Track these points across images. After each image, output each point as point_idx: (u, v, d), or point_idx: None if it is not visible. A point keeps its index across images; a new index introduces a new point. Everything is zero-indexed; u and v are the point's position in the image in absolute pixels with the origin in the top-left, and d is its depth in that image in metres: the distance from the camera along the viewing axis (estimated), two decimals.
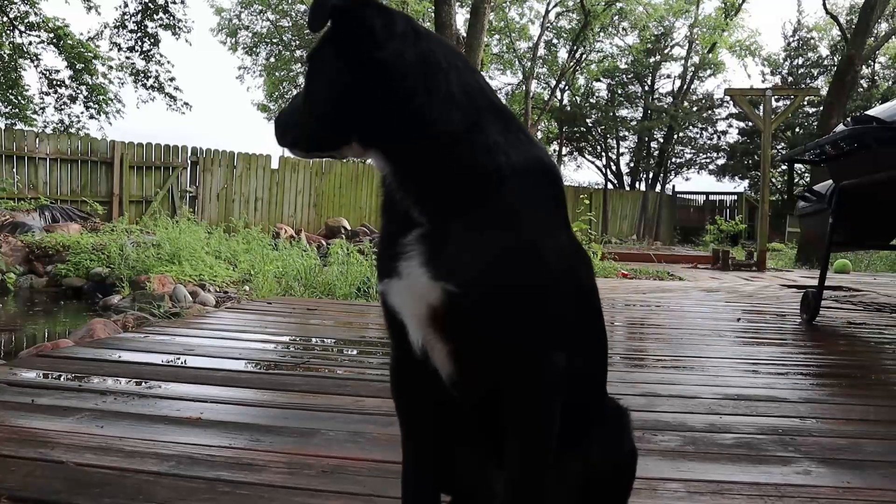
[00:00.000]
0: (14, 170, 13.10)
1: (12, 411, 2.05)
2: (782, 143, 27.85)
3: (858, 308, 5.53)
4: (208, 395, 2.33)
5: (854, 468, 1.83)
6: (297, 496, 1.53)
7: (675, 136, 32.29)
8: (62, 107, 14.42)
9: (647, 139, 32.91)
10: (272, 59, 23.31)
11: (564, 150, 34.37)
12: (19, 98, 14.30)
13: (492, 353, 1.02)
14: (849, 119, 4.33)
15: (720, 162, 32.78)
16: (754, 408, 2.43)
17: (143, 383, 2.48)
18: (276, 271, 7.44)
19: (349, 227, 12.74)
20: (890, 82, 27.39)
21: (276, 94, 25.20)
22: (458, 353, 1.03)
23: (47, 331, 5.91)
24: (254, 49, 23.22)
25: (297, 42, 22.13)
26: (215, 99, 71.81)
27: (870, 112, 4.28)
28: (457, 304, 0.96)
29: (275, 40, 22.66)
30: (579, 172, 42.89)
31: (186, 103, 15.43)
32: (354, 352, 3.50)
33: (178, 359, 2.96)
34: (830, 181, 5.23)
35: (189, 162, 15.04)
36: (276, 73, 23.90)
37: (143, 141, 14.55)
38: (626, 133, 33.55)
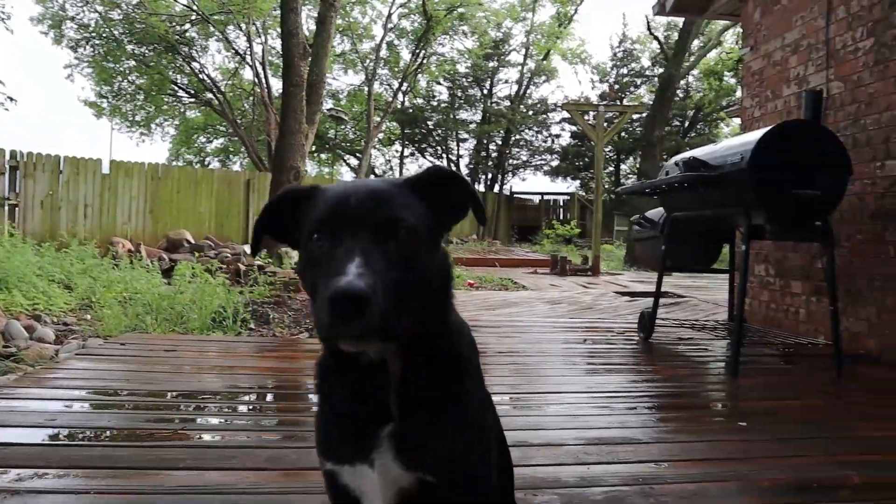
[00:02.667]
0: None
1: None
2: (609, 147, 29.84)
3: (687, 326, 6.13)
4: (91, 486, 2.23)
5: None
6: None
7: (512, 139, 33.71)
8: None
9: (485, 141, 34.13)
10: (102, 52, 21.71)
11: (406, 152, 34.82)
12: None
13: None
14: (682, 163, 4.81)
15: (554, 163, 34.60)
16: (615, 453, 2.70)
17: (10, 473, 2.32)
18: (119, 297, 7.05)
19: (192, 241, 12.23)
20: (701, 94, 30.19)
21: (108, 90, 23.55)
22: None
23: None
24: (81, 42, 21.53)
25: (129, 37, 20.76)
26: (37, 96, 65.51)
27: (697, 155, 4.79)
28: (429, 489, 1.10)
29: (104, 34, 21.12)
30: None
31: (11, 98, 14.05)
32: (229, 407, 3.45)
33: (42, 433, 2.79)
34: (661, 209, 5.79)
35: (7, 167, 13.73)
36: (107, 68, 22.30)
37: None
38: (466, 135, 34.60)
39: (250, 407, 3.51)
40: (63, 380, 3.68)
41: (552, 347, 5.21)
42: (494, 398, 1.31)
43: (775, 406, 3.59)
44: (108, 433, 2.84)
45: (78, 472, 2.35)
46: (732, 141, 4.97)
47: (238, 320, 5.84)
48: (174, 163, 29.02)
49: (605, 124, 13.98)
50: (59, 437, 2.77)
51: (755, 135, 4.45)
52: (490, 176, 33.73)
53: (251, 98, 23.44)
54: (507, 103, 33.25)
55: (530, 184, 47.16)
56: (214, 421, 3.22)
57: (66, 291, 7.82)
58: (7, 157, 13.72)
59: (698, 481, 2.41)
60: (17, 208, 13.71)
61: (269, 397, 3.71)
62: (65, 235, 11.56)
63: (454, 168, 34.49)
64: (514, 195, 31.88)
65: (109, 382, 3.72)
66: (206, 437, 2.91)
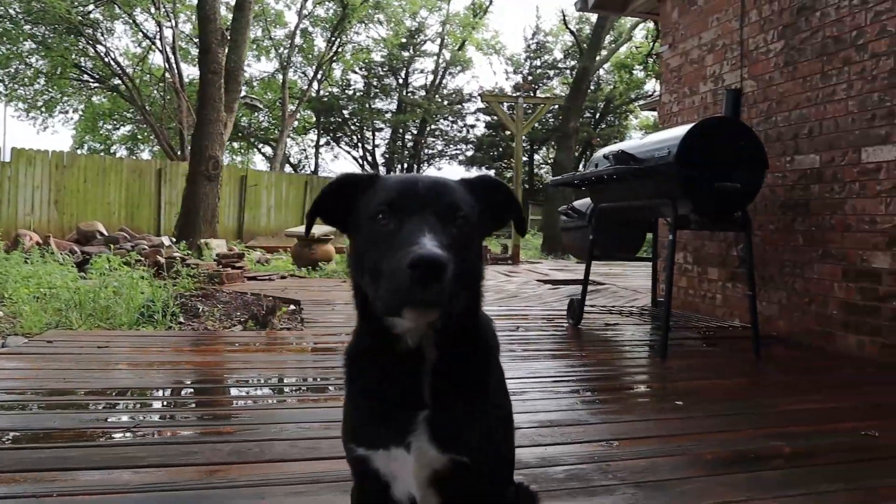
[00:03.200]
0: None
1: None
2: (523, 137, 30.40)
3: (613, 312, 6.40)
4: (39, 490, 2.19)
5: (658, 489, 2.26)
6: None
7: (428, 129, 33.85)
8: None
9: (401, 131, 34.14)
10: None
11: (322, 141, 34.42)
12: None
13: (474, 499, 1.23)
14: (611, 156, 5.02)
15: (469, 153, 34.98)
16: (568, 435, 2.84)
17: None
18: (35, 293, 6.74)
19: (105, 232, 11.75)
20: (611, 86, 31.15)
21: (4, 73, 22.18)
22: (447, 502, 1.22)
23: None
24: None
25: (27, 17, 19.61)
26: None
27: (625, 149, 5.01)
28: (462, 469, 1.18)
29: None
30: (336, 163, 43.01)
31: None
32: (177, 402, 3.40)
33: None
34: (588, 200, 6.01)
35: None
36: (3, 50, 21.00)
37: None
38: (382, 125, 34.51)
39: (201, 401, 3.47)
40: None
41: None
42: None
43: (704, 386, 3.83)
44: (50, 433, 2.76)
45: (10, 476, 2.29)
46: (658, 136, 5.22)
47: (168, 314, 5.70)
48: (79, 151, 27.68)
49: (523, 116, 14.27)
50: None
51: (680, 130, 4.70)
52: (406, 165, 33.78)
53: (161, 84, 22.60)
54: (423, 93, 33.36)
55: (446, 174, 47.61)
56: (163, 417, 3.17)
57: None
58: None
59: (649, 457, 2.57)
60: None
61: (215, 392, 3.68)
62: None
63: (370, 158, 34.42)
64: None
65: (40, 379, 3.59)
66: (159, 433, 2.87)
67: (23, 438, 2.67)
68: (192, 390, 3.69)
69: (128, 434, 2.75)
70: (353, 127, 34.33)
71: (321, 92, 31.43)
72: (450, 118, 34.77)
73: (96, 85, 24.13)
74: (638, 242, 6.20)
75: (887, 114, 4.53)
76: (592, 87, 30.00)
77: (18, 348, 4.47)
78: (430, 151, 35.45)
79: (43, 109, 25.13)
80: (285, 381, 3.88)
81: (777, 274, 5.46)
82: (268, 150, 30.89)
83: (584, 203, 6.25)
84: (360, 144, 34.84)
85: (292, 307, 6.69)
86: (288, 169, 31.80)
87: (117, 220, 15.60)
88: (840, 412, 3.25)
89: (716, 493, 2.22)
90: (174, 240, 11.87)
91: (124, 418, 3.09)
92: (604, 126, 31.75)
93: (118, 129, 29.95)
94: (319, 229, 11.64)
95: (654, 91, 25.63)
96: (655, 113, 17.71)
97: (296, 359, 4.44)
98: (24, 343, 4.62)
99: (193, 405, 3.41)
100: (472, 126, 34.98)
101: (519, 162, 14.25)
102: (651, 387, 4.05)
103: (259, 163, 33.25)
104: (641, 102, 25.10)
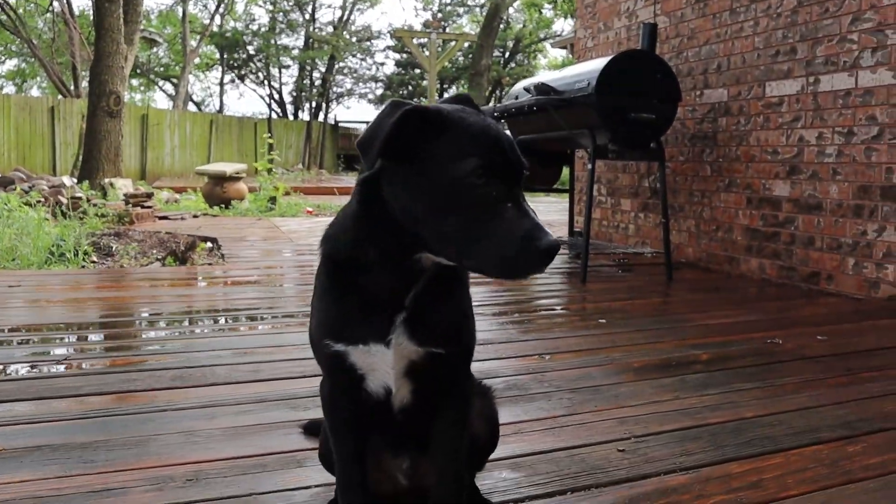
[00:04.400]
0: None
1: None
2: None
3: None
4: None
5: (594, 393, 2.42)
6: None
7: (336, 66, 33.02)
8: None
9: (309, 68, 33.16)
10: None
11: (226, 79, 33.09)
12: None
13: (442, 386, 1.35)
14: (532, 88, 5.09)
15: (378, 92, 34.50)
16: (502, 351, 2.98)
17: None
18: None
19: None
20: (521, 25, 31.16)
21: None
22: (418, 389, 1.33)
23: None
24: None
25: None
26: None
27: (545, 81, 5.09)
28: (436, 359, 1.29)
29: None
30: (243, 101, 41.53)
31: None
32: (102, 335, 3.33)
33: None
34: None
35: None
36: None
37: None
38: (289, 62, 33.42)
39: (138, 334, 3.41)
40: None
41: None
42: None
43: (624, 306, 4.05)
44: None
45: None
46: (576, 68, 5.33)
47: (80, 253, 5.48)
48: None
49: (436, 52, 14.14)
50: None
51: (599, 63, 4.82)
52: (314, 104, 32.99)
53: (48, 14, 21.00)
54: (331, 29, 32.41)
55: (355, 112, 46.70)
56: (98, 349, 3.11)
57: None
58: None
59: (581, 367, 2.73)
60: None
61: (151, 324, 3.61)
62: None
63: (276, 96, 33.35)
64: (339, 124, 31.43)
65: None
66: (96, 364, 2.82)
67: None
68: (115, 325, 3.61)
69: (60, 366, 2.69)
70: (258, 64, 33.10)
71: (223, 27, 30.04)
72: (359, 55, 34.02)
73: None
74: (555, 175, 6.36)
75: (790, 50, 4.78)
76: (502, 27, 29.98)
77: None
78: (339, 90, 34.73)
79: None
80: (217, 311, 3.84)
81: (686, 203, 5.75)
82: (169, 87, 29.47)
83: None
84: (266, 82, 33.71)
85: (209, 244, 6.55)
86: (192, 107, 30.49)
87: (8, 162, 14.66)
88: (748, 324, 3.53)
89: (646, 395, 2.40)
90: (75, 180, 11.28)
91: (59, 352, 3.00)
92: (513, 65, 31.85)
93: (3, 62, 27.83)
94: (231, 167, 11.32)
95: (563, 31, 25.90)
96: (565, 52, 17.90)
97: (223, 291, 4.40)
98: None
99: (120, 339, 3.34)
100: (382, 64, 34.57)
101: (433, 99, 14.18)
102: (574, 308, 4.25)
103: (161, 101, 31.72)
104: (551, 41, 25.26)
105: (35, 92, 27.55)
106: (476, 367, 2.66)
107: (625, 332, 3.32)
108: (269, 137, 13.44)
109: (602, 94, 4.57)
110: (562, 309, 4.19)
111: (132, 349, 3.09)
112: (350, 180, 20.61)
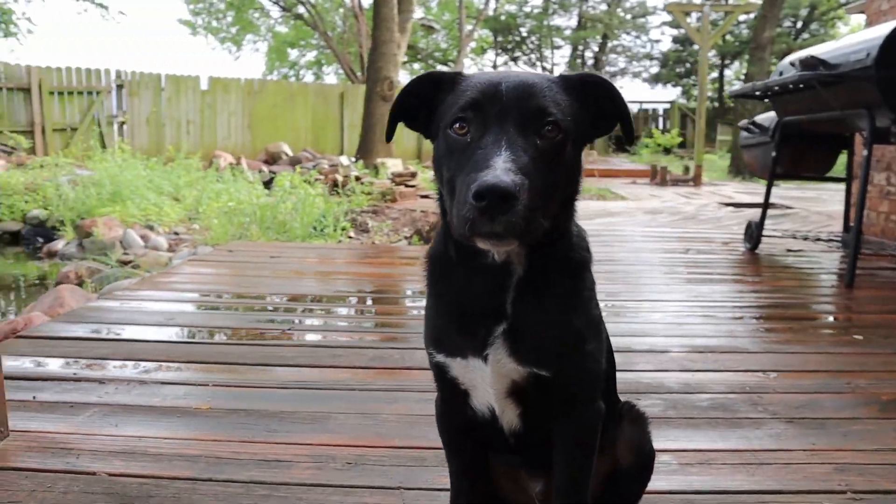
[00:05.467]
0: None
1: (17, 411, 2.05)
2: (713, 52, 28.18)
3: (797, 237, 5.86)
4: (209, 379, 2.38)
5: (817, 427, 2.04)
6: (332, 495, 1.63)
7: (609, 45, 32.30)
8: None
9: (581, 48, 32.86)
10: None
11: (500, 61, 34.04)
12: None
13: (556, 412, 1.16)
14: (798, 62, 4.46)
15: (653, 70, 33.05)
16: (721, 362, 2.64)
17: (139, 366, 2.50)
18: (224, 207, 7.34)
19: (290, 153, 12.50)
20: None
21: (201, 7, 23.92)
22: (527, 413, 1.18)
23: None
24: None
25: None
26: (134, 16, 67.26)
27: (815, 54, 4.43)
28: (542, 382, 1.12)
29: None
30: None
31: (121, 12, 14.62)
32: (333, 309, 3.58)
33: (163, 331, 2.98)
34: (773, 113, 5.44)
35: (114, 86, 14.34)
36: None
37: (61, 65, 13.75)
38: (561, 42, 33.40)
39: (353, 310, 3.62)
40: (175, 284, 3.91)
41: (653, 257, 5.09)
42: None
43: (893, 321, 3.40)
44: (222, 332, 3.00)
45: (197, 367, 2.51)
46: (855, 37, 4.56)
47: (338, 228, 5.98)
48: (269, 77, 29.44)
49: (710, 27, 13.12)
50: (178, 335, 2.96)
51: (883, 28, 4.05)
52: None
53: (341, 9, 23.26)
54: (604, 7, 31.73)
55: (628, 92, 45.37)
56: (318, 322, 3.34)
57: (174, 203, 8.21)
58: (113, 76, 14.29)
59: (810, 392, 2.33)
60: (125, 125, 14.36)
61: (369, 301, 3.82)
62: (171, 150, 12.05)
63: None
64: None
65: (221, 286, 3.93)
66: (312, 337, 3.03)
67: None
68: (343, 300, 3.85)
69: (285, 334, 2.93)
70: (531, 46, 33.56)
71: (498, 10, 30.89)
72: (633, 33, 32.88)
73: (281, 14, 25.28)
74: (829, 160, 5.54)
75: None
76: None
77: (205, 256, 4.90)
78: (612, 69, 33.91)
79: (233, 40, 26.86)
80: None
81: None
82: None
83: (767, 117, 5.66)
84: (538, 63, 34.08)
85: None
86: None
87: (304, 143, 16.50)
88: None
89: (886, 439, 1.96)
90: (353, 160, 12.38)
91: (312, 321, 3.28)
92: (806, 36, 28.51)
93: (304, 55, 31.42)
94: None
95: None
96: (865, 17, 15.58)
97: None
98: (210, 252, 5.05)
99: (342, 316, 3.56)
100: (658, 41, 33.16)
101: (703, 77, 13.23)
102: (829, 318, 3.67)
103: None
104: (851, 5, 22.18)
105: (331, 79, 30.69)
106: (681, 378, 2.42)
107: (883, 355, 2.77)
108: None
109: (884, 67, 3.85)
110: (812, 318, 3.63)
111: (334, 324, 3.27)
112: (619, 162, 20.09)
